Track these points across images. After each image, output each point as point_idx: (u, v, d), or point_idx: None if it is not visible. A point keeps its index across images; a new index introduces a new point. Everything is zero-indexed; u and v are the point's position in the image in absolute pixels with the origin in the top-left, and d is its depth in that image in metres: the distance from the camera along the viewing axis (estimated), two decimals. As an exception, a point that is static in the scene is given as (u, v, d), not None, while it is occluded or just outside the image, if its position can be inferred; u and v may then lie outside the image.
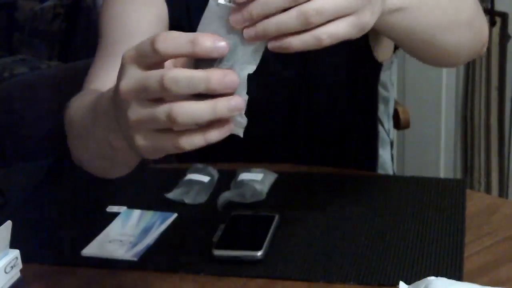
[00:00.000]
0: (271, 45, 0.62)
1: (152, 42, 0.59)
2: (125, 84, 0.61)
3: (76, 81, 1.03)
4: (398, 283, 0.79)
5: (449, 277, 0.78)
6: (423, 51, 0.93)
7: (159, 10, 1.07)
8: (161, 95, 0.60)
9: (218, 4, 0.61)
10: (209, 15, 0.62)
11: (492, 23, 2.09)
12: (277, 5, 0.60)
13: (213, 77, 0.58)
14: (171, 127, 0.60)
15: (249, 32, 0.61)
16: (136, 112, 0.61)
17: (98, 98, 0.75)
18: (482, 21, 0.98)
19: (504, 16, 2.07)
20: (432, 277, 0.77)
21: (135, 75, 0.61)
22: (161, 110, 0.60)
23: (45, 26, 3.30)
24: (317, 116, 1.16)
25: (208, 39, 0.59)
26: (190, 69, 0.59)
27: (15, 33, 3.48)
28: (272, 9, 0.60)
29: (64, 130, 0.99)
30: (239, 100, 0.60)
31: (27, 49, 3.37)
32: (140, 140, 0.63)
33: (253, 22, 0.60)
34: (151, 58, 0.60)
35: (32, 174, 1.16)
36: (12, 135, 2.12)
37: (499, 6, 2.08)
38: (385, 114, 1.25)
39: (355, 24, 0.63)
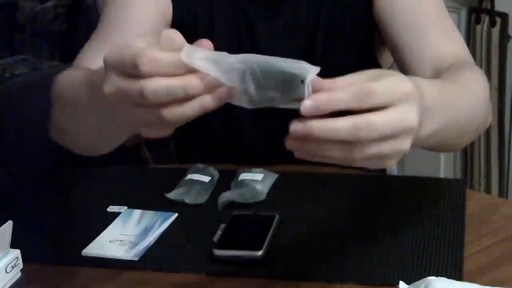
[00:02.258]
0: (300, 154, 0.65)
1: (135, 64, 0.61)
2: (108, 90, 0.65)
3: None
4: (398, 283, 0.79)
5: (449, 277, 0.78)
6: (435, 150, 0.95)
7: (163, 6, 1.08)
8: (142, 103, 0.62)
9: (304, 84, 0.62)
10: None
11: (492, 24, 2.09)
12: (345, 105, 0.61)
13: (191, 85, 0.61)
14: (145, 103, 0.62)
15: (297, 127, 0.63)
16: (109, 86, 0.65)
17: (93, 74, 0.77)
18: (489, 110, 0.99)
19: (504, 16, 2.07)
20: (432, 277, 0.77)
21: (117, 83, 0.64)
22: (135, 89, 0.62)
23: (46, 27, 3.30)
24: None
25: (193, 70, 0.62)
26: (168, 79, 0.61)
27: (15, 33, 3.48)
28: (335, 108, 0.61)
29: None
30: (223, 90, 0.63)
31: (28, 49, 3.37)
32: (124, 117, 0.66)
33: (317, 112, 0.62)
34: (131, 72, 0.62)
35: (33, 174, 1.16)
36: (13, 135, 2.12)
37: (499, 7, 2.08)
38: None
39: (395, 149, 0.64)
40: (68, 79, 0.91)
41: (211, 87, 0.62)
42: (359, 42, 1.12)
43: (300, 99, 0.62)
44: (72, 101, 0.85)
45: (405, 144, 0.65)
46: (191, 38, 1.02)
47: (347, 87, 0.62)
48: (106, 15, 1.07)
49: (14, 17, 3.51)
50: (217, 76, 0.62)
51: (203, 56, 0.62)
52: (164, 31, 0.64)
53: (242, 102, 0.64)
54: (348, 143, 0.62)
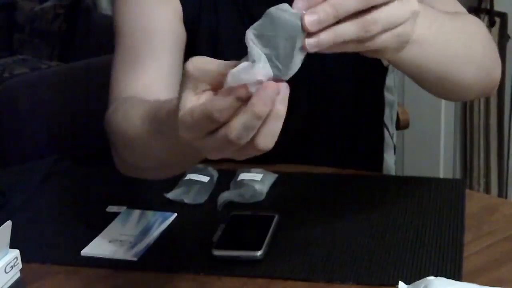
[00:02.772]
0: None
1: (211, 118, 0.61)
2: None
3: (76, 81, 1.03)
4: (397, 283, 0.79)
5: (449, 277, 0.78)
6: (435, 86, 0.94)
7: (174, 7, 1.07)
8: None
9: (287, 12, 0.62)
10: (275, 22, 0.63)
11: (491, 23, 2.09)
12: (353, 7, 0.62)
13: (259, 110, 0.60)
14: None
15: (310, 42, 0.63)
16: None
17: (158, 110, 0.77)
18: (495, 61, 0.99)
19: (503, 16, 2.07)
20: (432, 277, 0.77)
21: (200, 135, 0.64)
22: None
23: (45, 27, 3.30)
24: (324, 121, 1.16)
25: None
26: (244, 116, 0.61)
27: (15, 33, 3.48)
28: (344, 13, 0.62)
29: (64, 129, 0.99)
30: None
31: (27, 49, 3.37)
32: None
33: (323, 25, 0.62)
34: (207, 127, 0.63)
35: (32, 174, 1.16)
36: (12, 135, 2.12)
37: (499, 6, 2.08)
38: (389, 118, 1.25)
39: (399, 34, 0.66)
40: (125, 116, 0.89)
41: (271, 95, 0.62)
42: None
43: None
44: (138, 137, 0.83)
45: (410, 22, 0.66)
46: (195, 39, 1.03)
47: None
48: (124, 28, 1.04)
49: (14, 17, 3.51)
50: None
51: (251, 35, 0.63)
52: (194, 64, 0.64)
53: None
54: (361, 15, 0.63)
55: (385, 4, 0.64)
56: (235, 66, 0.61)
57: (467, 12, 1.05)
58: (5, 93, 2.19)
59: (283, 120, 0.63)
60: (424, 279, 0.77)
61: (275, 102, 0.61)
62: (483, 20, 2.11)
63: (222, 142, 0.63)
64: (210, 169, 1.09)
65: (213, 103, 0.61)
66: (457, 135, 2.31)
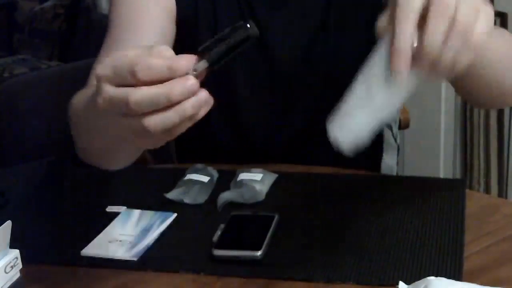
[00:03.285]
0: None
1: (132, 71, 0.64)
2: (101, 101, 0.67)
3: (76, 81, 1.03)
4: (398, 283, 0.79)
5: (449, 277, 0.78)
6: (483, 93, 0.98)
7: (167, 5, 1.08)
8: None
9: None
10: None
11: (491, 23, 2.09)
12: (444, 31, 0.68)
13: (172, 91, 0.64)
14: (130, 113, 0.65)
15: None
16: (101, 98, 0.67)
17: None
18: None
19: (503, 16, 2.07)
20: (432, 277, 0.77)
21: (108, 93, 0.67)
22: (121, 101, 0.65)
23: (45, 26, 3.30)
24: (323, 121, 1.16)
25: (184, 63, 0.65)
26: (151, 88, 0.64)
27: (15, 33, 3.48)
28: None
29: (65, 130, 0.99)
30: (192, 82, 0.65)
31: (27, 49, 3.37)
32: (112, 128, 0.70)
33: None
34: (127, 81, 0.65)
35: (32, 174, 1.16)
36: (12, 135, 2.12)
37: (499, 6, 2.08)
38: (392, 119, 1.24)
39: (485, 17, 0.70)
40: (80, 97, 0.94)
41: (194, 91, 0.65)
42: (371, 13, 1.12)
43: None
44: (84, 119, 0.87)
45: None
46: (193, 34, 1.04)
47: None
48: (115, 19, 1.07)
49: (14, 17, 3.51)
50: None
51: None
52: (155, 48, 0.66)
53: None
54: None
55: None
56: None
57: None
58: (5, 93, 2.19)
59: (181, 121, 0.65)
60: (424, 279, 0.77)
61: (193, 95, 0.65)
62: (483, 20, 2.11)
63: (123, 102, 0.65)
64: (210, 169, 1.09)
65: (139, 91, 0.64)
66: (457, 135, 2.31)
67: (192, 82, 0.65)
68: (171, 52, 0.67)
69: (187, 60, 0.66)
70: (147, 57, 0.65)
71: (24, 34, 3.42)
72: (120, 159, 0.94)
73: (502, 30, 0.96)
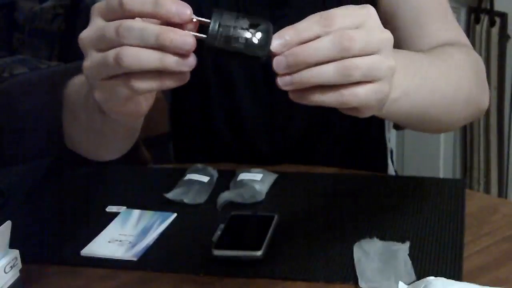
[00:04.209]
0: (294, 95, 0.64)
1: (120, 1, 0.62)
2: (86, 32, 0.65)
3: (76, 81, 1.03)
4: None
5: (448, 277, 0.78)
6: (421, 128, 0.96)
7: None
8: (116, 44, 0.62)
9: None
10: None
11: (491, 23, 2.09)
12: (326, 55, 0.61)
13: (164, 33, 0.61)
14: (120, 71, 0.63)
15: (285, 79, 0.62)
16: (90, 59, 0.65)
17: None
18: (483, 92, 0.99)
19: (503, 16, 2.07)
20: (431, 277, 0.77)
21: (97, 25, 0.64)
22: (110, 53, 0.62)
23: (45, 26, 3.30)
24: (325, 124, 1.16)
25: (172, 4, 0.61)
26: (146, 23, 0.62)
27: (14, 33, 3.48)
28: (320, 58, 0.61)
29: (62, 130, 0.99)
30: (188, 40, 0.61)
31: (26, 49, 3.37)
32: (97, 92, 0.66)
33: (294, 69, 0.62)
34: (117, 13, 0.63)
35: (32, 174, 1.16)
36: (12, 135, 2.12)
37: (499, 6, 2.08)
38: (386, 122, 1.24)
39: (377, 90, 0.65)
40: (74, 81, 0.93)
41: (188, 52, 0.62)
42: None
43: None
44: (75, 103, 0.86)
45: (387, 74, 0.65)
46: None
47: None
48: None
49: (13, 17, 3.51)
50: None
51: None
52: None
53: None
54: (336, 62, 0.62)
55: (365, 55, 0.63)
56: None
57: (460, 32, 1.05)
58: (5, 93, 2.19)
59: (153, 65, 0.62)
60: (424, 279, 0.77)
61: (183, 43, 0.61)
62: (482, 20, 2.11)
63: (112, 27, 0.62)
64: (210, 169, 1.09)
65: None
66: (457, 135, 2.31)
67: (190, 41, 0.61)
68: None
69: (181, 11, 0.62)
70: None
71: (24, 34, 3.42)
72: (107, 144, 0.91)
73: (446, 60, 0.91)
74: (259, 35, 0.62)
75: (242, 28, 0.62)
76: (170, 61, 0.62)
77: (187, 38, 0.61)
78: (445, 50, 0.94)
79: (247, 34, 0.62)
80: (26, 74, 2.78)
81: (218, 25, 0.62)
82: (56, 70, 2.54)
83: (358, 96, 0.64)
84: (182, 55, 0.62)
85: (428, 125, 0.94)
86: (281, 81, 0.62)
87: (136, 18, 0.63)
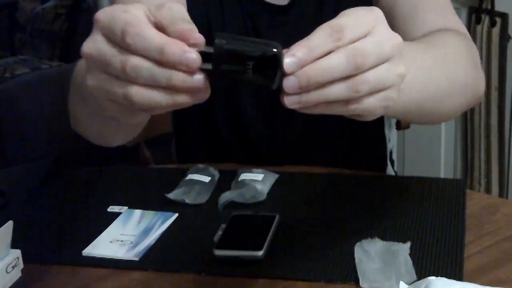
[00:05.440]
0: (299, 108, 0.61)
1: (124, 31, 0.58)
2: (89, 47, 0.61)
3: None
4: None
5: (449, 277, 0.78)
6: (418, 121, 0.94)
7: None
8: (123, 79, 0.59)
9: None
10: None
11: (492, 24, 2.09)
12: (340, 74, 0.60)
13: (175, 75, 0.58)
14: (131, 107, 0.60)
15: (293, 99, 0.60)
16: (95, 80, 0.61)
17: None
18: (479, 78, 0.98)
19: (504, 16, 2.07)
20: (432, 277, 0.77)
21: (100, 46, 0.60)
22: (119, 91, 0.59)
23: (47, 27, 3.30)
24: (325, 124, 1.16)
25: (176, 49, 0.57)
26: (154, 64, 0.58)
27: (16, 33, 3.48)
28: (334, 77, 0.60)
29: (65, 129, 0.99)
30: (198, 79, 0.58)
31: (28, 49, 3.37)
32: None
33: (306, 90, 0.60)
34: (117, 43, 0.59)
35: (33, 174, 1.16)
36: (13, 135, 2.13)
37: (499, 7, 2.08)
38: (387, 123, 1.24)
39: (385, 98, 0.64)
40: (83, 62, 0.90)
41: (200, 90, 0.59)
42: None
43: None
44: (83, 84, 0.83)
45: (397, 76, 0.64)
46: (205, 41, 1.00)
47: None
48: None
49: (15, 17, 3.51)
50: None
51: None
52: (164, 9, 0.60)
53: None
54: (347, 78, 0.60)
55: (377, 66, 0.62)
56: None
57: (458, 21, 1.04)
58: (6, 93, 2.20)
59: (170, 108, 0.59)
60: (425, 279, 0.77)
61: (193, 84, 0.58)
62: (483, 20, 2.11)
63: (118, 63, 0.58)
64: (211, 169, 1.09)
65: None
66: (458, 135, 2.31)
67: (201, 80, 0.58)
68: (182, 17, 0.59)
69: (183, 50, 0.57)
70: (146, 23, 0.58)
71: (25, 35, 3.42)
72: (114, 135, 0.88)
73: (441, 48, 0.89)
74: (267, 65, 0.59)
75: (250, 59, 0.59)
76: (183, 99, 0.60)
77: (198, 77, 0.59)
78: (439, 37, 0.93)
79: (256, 68, 0.59)
80: (27, 74, 2.78)
81: (224, 56, 0.58)
82: (58, 70, 2.55)
83: (364, 105, 0.63)
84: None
85: (425, 118, 0.92)
86: (288, 101, 0.60)
87: None
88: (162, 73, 0.58)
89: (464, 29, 1.03)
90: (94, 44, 0.61)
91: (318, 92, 0.60)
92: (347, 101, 0.62)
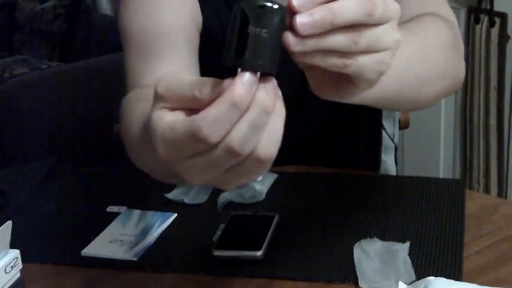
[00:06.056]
0: (297, 54, 0.60)
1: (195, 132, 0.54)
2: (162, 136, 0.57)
3: (76, 82, 1.03)
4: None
5: (448, 277, 0.78)
6: (396, 108, 0.93)
7: (193, 13, 1.03)
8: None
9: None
10: None
11: (491, 24, 2.09)
12: (352, 19, 0.59)
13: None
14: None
15: (297, 39, 0.59)
16: (192, 170, 0.58)
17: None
18: (459, 64, 0.96)
19: (503, 16, 2.07)
20: (431, 277, 0.78)
21: (176, 135, 0.56)
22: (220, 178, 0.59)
23: (46, 27, 3.30)
24: (322, 122, 1.16)
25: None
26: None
27: (15, 33, 3.48)
28: (346, 21, 0.59)
29: (65, 130, 0.99)
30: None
31: (27, 49, 3.37)
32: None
33: (317, 31, 0.58)
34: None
35: (32, 174, 1.16)
36: (13, 135, 2.12)
37: (498, 7, 2.08)
38: (390, 119, 1.24)
39: (379, 61, 0.63)
40: (129, 113, 0.84)
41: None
42: None
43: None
44: (136, 140, 0.79)
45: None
46: (218, 44, 1.00)
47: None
48: (135, 28, 0.98)
49: (14, 17, 3.51)
50: None
51: None
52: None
53: None
54: (349, 28, 0.60)
55: (381, 23, 0.61)
56: (201, 83, 0.55)
57: (446, 7, 1.02)
58: (5, 93, 2.19)
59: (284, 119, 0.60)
60: (424, 279, 0.77)
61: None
62: (482, 20, 2.11)
63: (217, 158, 0.56)
64: (210, 169, 1.09)
65: (203, 115, 0.53)
66: (457, 135, 2.31)
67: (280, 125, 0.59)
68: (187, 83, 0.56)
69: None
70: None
71: (24, 35, 3.42)
72: (170, 180, 0.85)
73: (420, 33, 0.88)
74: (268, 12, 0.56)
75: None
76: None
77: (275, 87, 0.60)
78: (421, 23, 0.91)
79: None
80: (26, 75, 2.78)
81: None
82: (57, 70, 2.54)
83: (359, 62, 0.62)
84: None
85: (403, 106, 0.91)
86: (292, 40, 0.58)
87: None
88: (260, 114, 0.58)
89: (452, 17, 1.02)
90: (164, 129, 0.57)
91: (319, 38, 0.60)
92: (343, 54, 0.62)
